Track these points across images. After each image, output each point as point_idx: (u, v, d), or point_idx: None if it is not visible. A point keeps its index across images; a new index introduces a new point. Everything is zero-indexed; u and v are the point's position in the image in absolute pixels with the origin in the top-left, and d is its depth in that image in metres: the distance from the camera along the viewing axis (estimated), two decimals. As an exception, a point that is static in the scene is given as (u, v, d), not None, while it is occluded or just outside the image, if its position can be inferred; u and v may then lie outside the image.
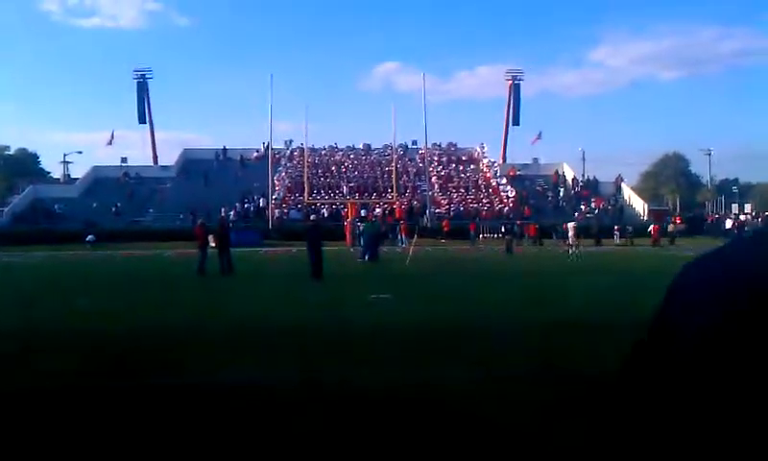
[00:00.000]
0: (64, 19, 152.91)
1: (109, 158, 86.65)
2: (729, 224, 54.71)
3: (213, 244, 23.22)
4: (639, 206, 60.56)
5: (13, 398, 6.84)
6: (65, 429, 5.73)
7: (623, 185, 65.04)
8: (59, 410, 6.37)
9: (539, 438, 5.35)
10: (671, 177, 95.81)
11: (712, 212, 70.22)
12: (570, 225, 39.76)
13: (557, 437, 5.28)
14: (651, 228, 45.41)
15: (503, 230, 42.50)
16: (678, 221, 52.70)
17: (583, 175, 69.17)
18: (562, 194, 62.20)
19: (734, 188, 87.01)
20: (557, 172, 66.92)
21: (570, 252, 34.34)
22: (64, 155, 79.62)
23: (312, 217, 30.77)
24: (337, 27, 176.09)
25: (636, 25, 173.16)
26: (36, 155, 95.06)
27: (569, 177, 66.68)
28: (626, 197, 62.91)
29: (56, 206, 55.82)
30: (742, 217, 60.31)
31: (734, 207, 71.02)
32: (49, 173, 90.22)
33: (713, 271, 0.84)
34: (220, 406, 6.44)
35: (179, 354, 8.98)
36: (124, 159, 67.87)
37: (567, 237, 38.30)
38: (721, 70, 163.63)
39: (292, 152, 68.67)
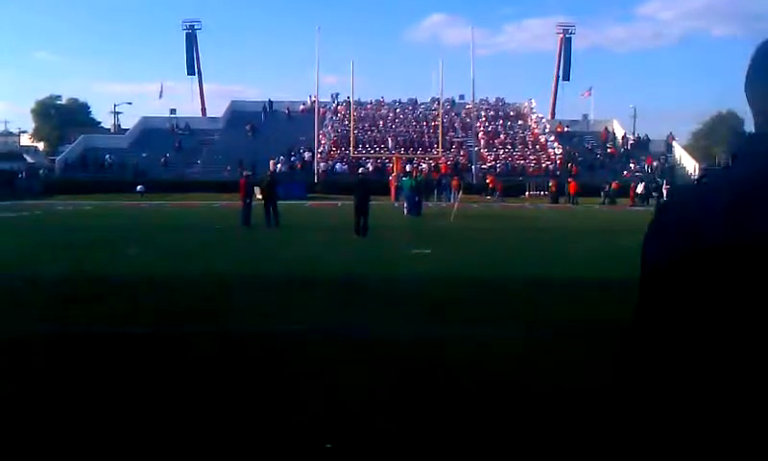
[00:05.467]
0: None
1: (159, 109, 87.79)
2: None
3: (259, 196, 23.49)
4: (691, 165, 58.99)
5: (59, 340, 7.11)
6: (107, 373, 5.96)
7: (674, 144, 63.33)
8: (102, 355, 6.60)
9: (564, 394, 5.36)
10: (724, 135, 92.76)
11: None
12: None
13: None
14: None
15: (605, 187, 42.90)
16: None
17: (633, 132, 67.49)
18: (610, 151, 60.93)
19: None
20: (606, 129, 65.53)
21: None
22: (114, 105, 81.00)
23: (360, 171, 30.86)
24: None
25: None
26: (86, 105, 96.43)
27: (619, 134, 65.23)
28: (677, 156, 61.30)
29: (106, 157, 56.90)
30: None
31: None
32: (99, 123, 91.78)
33: (665, 213, 0.99)
34: (257, 355, 6.60)
35: (217, 304, 9.21)
36: (173, 111, 68.73)
37: None
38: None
39: (338, 105, 68.50)
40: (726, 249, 0.88)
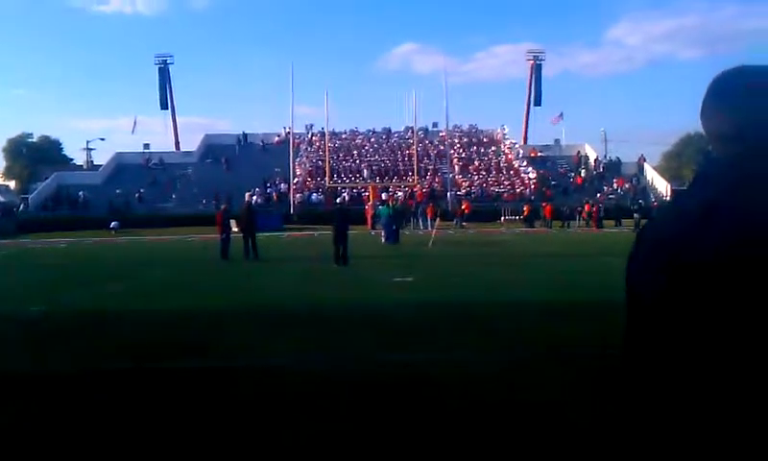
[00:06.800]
0: (84, 5, 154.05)
1: (132, 145, 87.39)
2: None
3: (236, 229, 23.41)
4: (662, 186, 59.83)
5: (40, 381, 7.02)
6: (84, 413, 5.88)
7: (646, 165, 64.27)
8: (79, 393, 6.52)
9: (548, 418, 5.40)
10: (693, 156, 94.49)
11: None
12: None
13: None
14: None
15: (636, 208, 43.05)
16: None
17: (605, 155, 68.48)
18: (583, 175, 61.70)
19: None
20: (578, 153, 66.39)
21: None
22: (87, 141, 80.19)
23: (338, 200, 30.86)
24: (355, 8, 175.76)
25: (654, 1, 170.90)
26: (58, 142, 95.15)
27: (591, 157, 66.08)
28: (649, 178, 62.19)
29: (80, 193, 56.35)
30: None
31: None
32: (72, 160, 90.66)
33: (645, 239, 1.11)
34: (243, 389, 6.56)
35: (203, 338, 9.14)
36: (146, 146, 68.33)
37: None
38: (742, 49, 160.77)
39: (312, 136, 68.65)
40: (687, 265, 0.97)
